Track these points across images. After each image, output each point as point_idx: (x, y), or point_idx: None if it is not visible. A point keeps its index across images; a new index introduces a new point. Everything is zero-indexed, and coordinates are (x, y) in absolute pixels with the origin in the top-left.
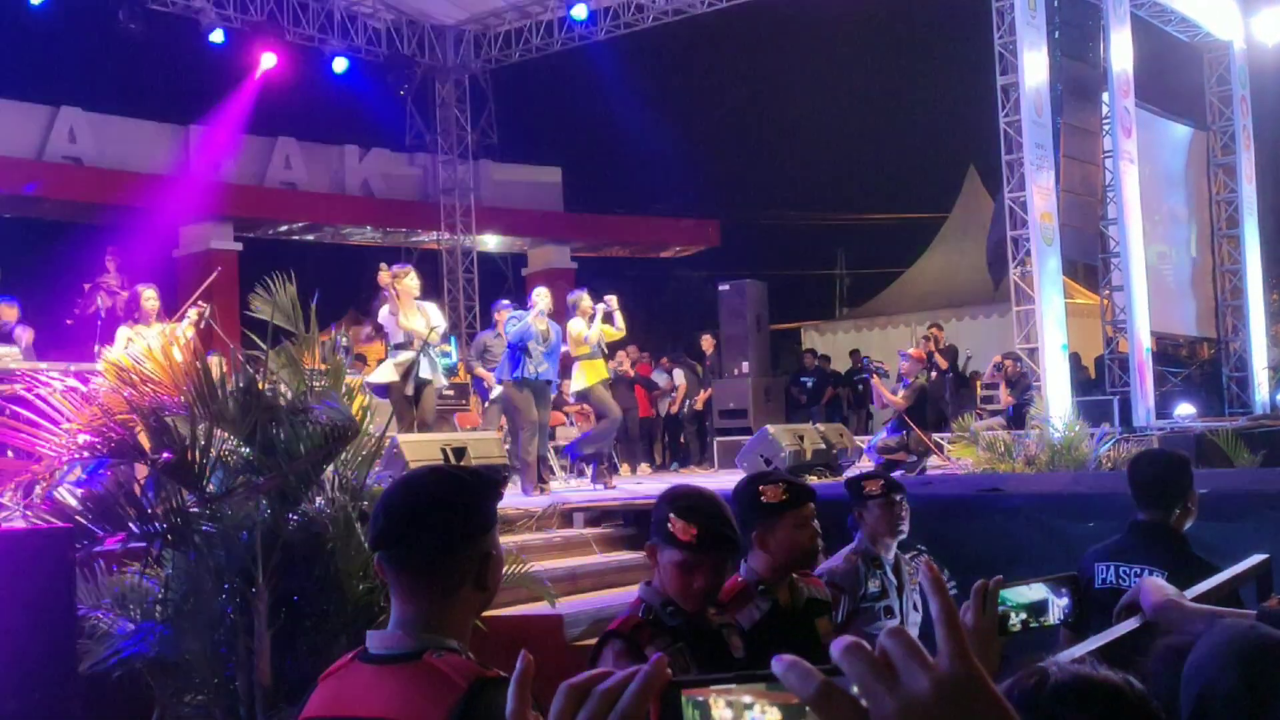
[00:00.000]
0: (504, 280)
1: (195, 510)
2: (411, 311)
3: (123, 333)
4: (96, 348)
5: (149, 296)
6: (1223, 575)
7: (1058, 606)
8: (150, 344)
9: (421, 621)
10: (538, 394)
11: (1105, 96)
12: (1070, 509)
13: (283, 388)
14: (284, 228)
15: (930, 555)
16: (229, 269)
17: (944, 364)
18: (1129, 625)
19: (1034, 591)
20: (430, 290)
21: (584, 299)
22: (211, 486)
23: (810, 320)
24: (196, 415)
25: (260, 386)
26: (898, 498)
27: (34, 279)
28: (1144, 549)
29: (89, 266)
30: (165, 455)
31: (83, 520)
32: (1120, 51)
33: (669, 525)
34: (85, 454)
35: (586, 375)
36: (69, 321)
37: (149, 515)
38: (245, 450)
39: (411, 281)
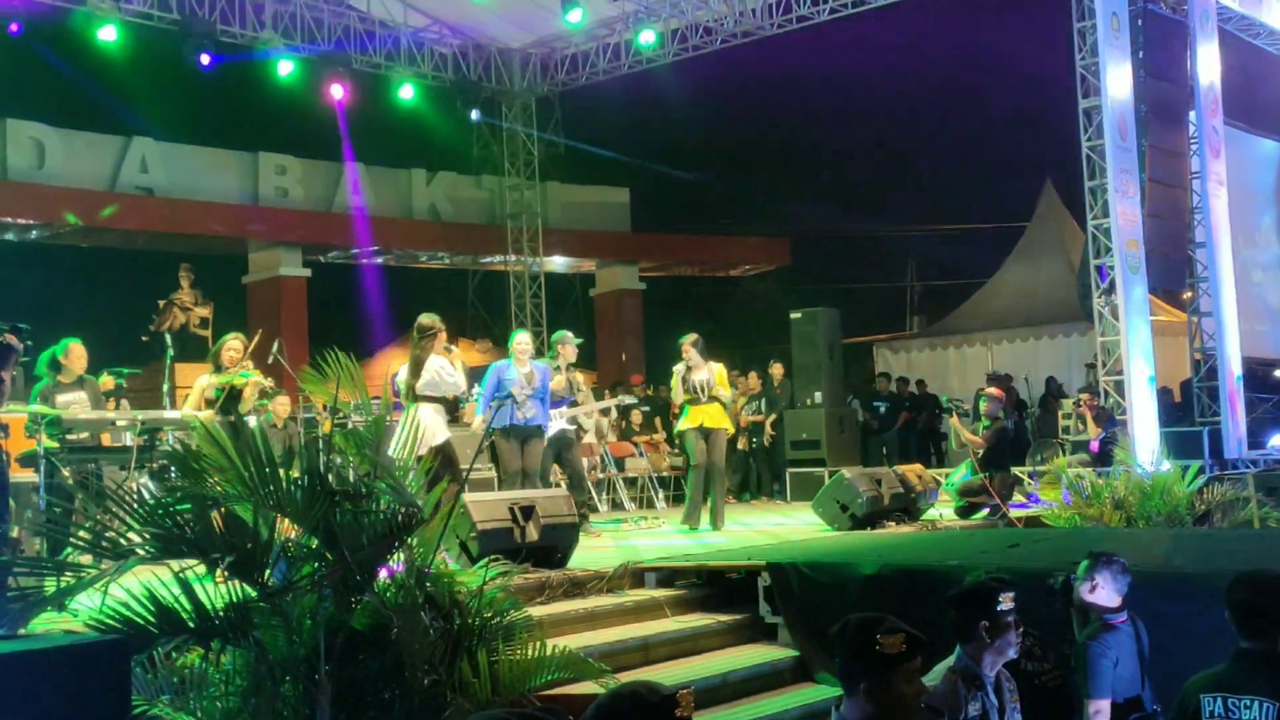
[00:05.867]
0: (572, 301)
1: (257, 604)
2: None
3: (202, 381)
4: (165, 386)
5: (233, 347)
6: None
7: None
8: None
9: None
10: (525, 440)
11: (1191, 116)
12: (1168, 587)
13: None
14: (353, 252)
15: (1037, 638)
16: (298, 294)
17: None
18: None
19: None
20: (498, 313)
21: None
22: (273, 579)
23: (882, 334)
24: (259, 506)
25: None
26: (1012, 616)
27: (107, 308)
28: (1253, 679)
29: (161, 295)
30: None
31: (140, 623)
32: (1207, 66)
33: (878, 648)
34: (144, 550)
35: (682, 419)
36: (144, 339)
37: (207, 615)
38: (309, 540)
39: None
